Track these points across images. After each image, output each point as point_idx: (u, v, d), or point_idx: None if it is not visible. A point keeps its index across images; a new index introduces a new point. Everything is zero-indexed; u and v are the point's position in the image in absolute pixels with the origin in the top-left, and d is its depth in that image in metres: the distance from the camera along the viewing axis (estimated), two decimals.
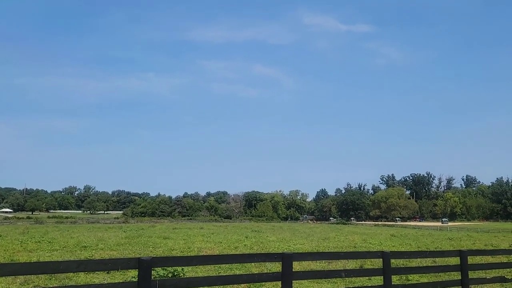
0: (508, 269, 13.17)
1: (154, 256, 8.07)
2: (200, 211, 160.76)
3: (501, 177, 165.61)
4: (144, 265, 6.36)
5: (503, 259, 17.71)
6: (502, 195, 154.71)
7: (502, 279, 10.57)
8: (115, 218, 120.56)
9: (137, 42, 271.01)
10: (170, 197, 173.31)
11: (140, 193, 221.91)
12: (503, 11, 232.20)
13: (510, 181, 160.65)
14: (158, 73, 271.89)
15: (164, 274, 10.53)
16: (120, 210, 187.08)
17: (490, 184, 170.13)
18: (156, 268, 10.40)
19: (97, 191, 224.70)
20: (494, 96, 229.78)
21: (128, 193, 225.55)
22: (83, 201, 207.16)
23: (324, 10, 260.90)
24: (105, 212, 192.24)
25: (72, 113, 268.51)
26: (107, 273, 12.89)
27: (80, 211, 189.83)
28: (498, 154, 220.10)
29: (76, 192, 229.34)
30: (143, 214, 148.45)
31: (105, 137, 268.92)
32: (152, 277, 9.61)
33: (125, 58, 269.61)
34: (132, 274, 12.51)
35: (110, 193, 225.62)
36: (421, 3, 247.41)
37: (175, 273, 10.84)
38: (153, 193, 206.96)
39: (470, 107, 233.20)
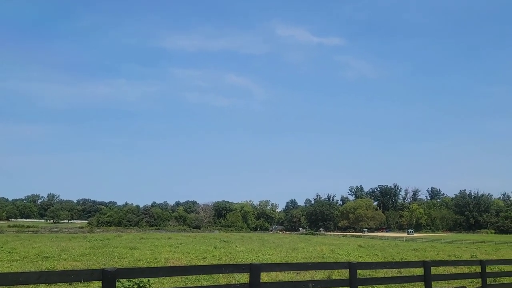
0: (469, 279, 13.55)
1: (119, 267, 7.87)
2: (169, 220, 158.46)
3: (464, 190, 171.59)
4: (108, 277, 6.22)
5: (465, 269, 18.14)
6: (465, 207, 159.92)
7: None
8: (79, 227, 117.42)
9: (108, 48, 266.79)
10: (137, 206, 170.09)
11: (106, 201, 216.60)
12: (468, 30, 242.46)
13: (472, 194, 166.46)
14: (129, 80, 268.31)
15: (130, 285, 10.31)
16: (85, 219, 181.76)
17: (454, 196, 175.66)
18: (121, 280, 10.16)
19: (61, 199, 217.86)
20: (457, 113, 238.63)
21: (94, 201, 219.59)
22: (46, 209, 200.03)
23: (297, 22, 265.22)
24: (69, 221, 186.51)
25: (36, 119, 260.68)
26: (70, 284, 12.48)
27: (43, 220, 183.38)
28: (462, 167, 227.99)
29: (39, 201, 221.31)
30: (109, 224, 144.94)
31: (72, 144, 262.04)
32: None
33: (95, 63, 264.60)
34: (95, 286, 12.15)
35: (75, 201, 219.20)
36: (391, 18, 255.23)
37: (141, 285, 10.63)
38: (120, 202, 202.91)
39: (434, 123, 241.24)
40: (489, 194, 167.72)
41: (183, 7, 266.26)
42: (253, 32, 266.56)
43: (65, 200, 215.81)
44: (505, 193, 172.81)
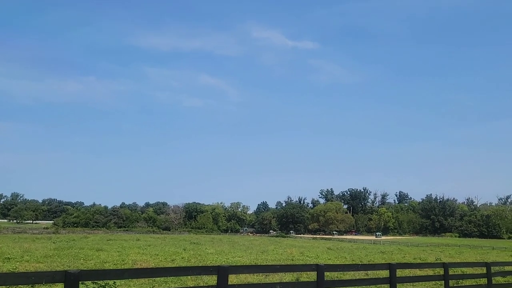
0: (433, 282, 13.92)
1: (82, 269, 7.66)
2: (138, 222, 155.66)
3: (430, 194, 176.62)
4: (71, 279, 6.08)
5: (430, 272, 18.72)
6: (431, 211, 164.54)
7: None
8: (44, 228, 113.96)
9: (79, 45, 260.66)
10: (105, 207, 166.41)
11: (73, 202, 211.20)
12: (438, 36, 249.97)
13: (438, 198, 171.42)
14: (100, 77, 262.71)
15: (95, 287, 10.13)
16: (50, 220, 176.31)
17: (421, 200, 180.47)
18: (86, 282, 9.95)
19: (25, 199, 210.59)
20: (426, 119, 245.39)
21: (60, 201, 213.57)
22: (9, 209, 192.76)
23: (272, 25, 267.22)
24: (34, 221, 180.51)
25: (1, 116, 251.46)
26: (31, 287, 12.06)
27: (5, 220, 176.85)
28: (428, 172, 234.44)
29: (2, 200, 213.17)
30: (75, 225, 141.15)
31: (38, 141, 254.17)
32: None
33: (65, 60, 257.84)
34: None
35: (40, 201, 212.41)
36: (364, 24, 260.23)
37: (106, 287, 10.43)
38: (87, 203, 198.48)
39: (405, 127, 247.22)
40: (454, 198, 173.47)
41: (157, 5, 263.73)
42: (228, 33, 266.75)
43: (29, 199, 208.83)
44: (469, 198, 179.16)
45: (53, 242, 37.93)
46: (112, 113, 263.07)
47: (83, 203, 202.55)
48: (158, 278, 13.98)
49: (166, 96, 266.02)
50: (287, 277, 15.88)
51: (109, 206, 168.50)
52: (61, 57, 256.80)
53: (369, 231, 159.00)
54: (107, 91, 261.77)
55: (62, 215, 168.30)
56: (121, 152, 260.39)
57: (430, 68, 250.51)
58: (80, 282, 10.12)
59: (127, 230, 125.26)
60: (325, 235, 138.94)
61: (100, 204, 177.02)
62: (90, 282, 9.78)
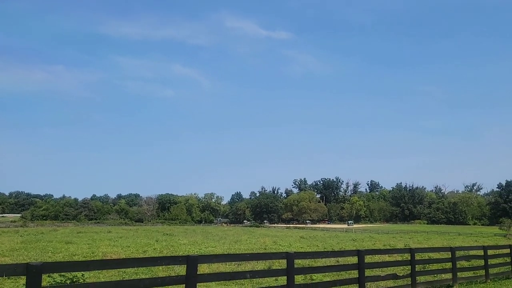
0: (401, 267, 14.27)
1: (44, 261, 7.45)
2: (109, 214, 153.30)
3: (400, 183, 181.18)
4: (33, 271, 5.92)
5: (398, 257, 19.20)
6: (401, 199, 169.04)
7: (395, 276, 11.44)
8: (11, 221, 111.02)
9: (45, 32, 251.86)
10: (76, 199, 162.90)
11: (42, 194, 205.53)
12: (411, 28, 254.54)
13: (408, 187, 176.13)
14: (68, 66, 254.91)
15: (62, 280, 9.88)
16: (18, 213, 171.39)
17: (391, 189, 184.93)
18: (53, 275, 9.70)
19: None
20: (397, 110, 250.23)
21: (28, 194, 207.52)
22: None
23: (245, 14, 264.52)
24: (0, 215, 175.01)
25: None
26: None
27: None
28: (398, 161, 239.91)
29: None
30: (44, 218, 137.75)
31: (3, 132, 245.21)
32: (48, 284, 8.98)
33: (30, 48, 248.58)
34: (24, 282, 11.48)
35: (7, 194, 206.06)
36: (338, 15, 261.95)
37: (74, 279, 10.19)
38: (57, 195, 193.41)
39: (374, 118, 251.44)
40: (423, 187, 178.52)
41: None
42: (201, 22, 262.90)
43: None
44: (437, 186, 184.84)
45: (20, 236, 36.91)
46: (81, 103, 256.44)
47: (52, 195, 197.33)
48: (129, 270, 13.81)
49: (137, 86, 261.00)
50: (260, 265, 15.99)
51: (80, 199, 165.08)
52: (26, 45, 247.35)
53: (342, 220, 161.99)
54: (75, 81, 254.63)
55: (30, 208, 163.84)
56: (92, 143, 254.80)
57: (402, 59, 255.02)
58: (47, 275, 9.93)
59: (98, 223, 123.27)
60: (299, 224, 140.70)
61: (70, 197, 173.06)
62: (57, 274, 9.56)
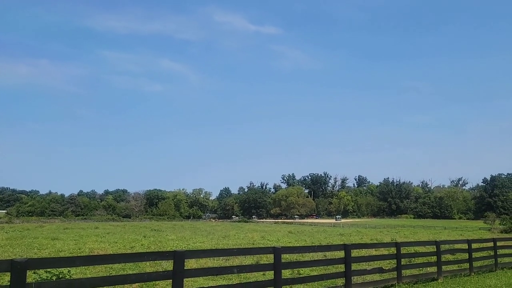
0: (387, 261, 14.45)
1: (29, 258, 7.38)
2: (97, 210, 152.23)
3: (388, 178, 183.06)
4: (17, 267, 5.89)
5: (384, 251, 19.46)
6: (388, 194, 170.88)
7: (380, 270, 11.59)
8: None
9: (29, 25, 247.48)
10: (62, 195, 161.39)
11: (27, 190, 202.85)
12: (401, 24, 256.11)
13: (395, 182, 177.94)
14: (53, 60, 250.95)
15: (48, 276, 9.81)
16: (3, 210, 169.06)
17: (378, 183, 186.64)
18: (39, 271, 9.62)
19: None
20: (385, 105, 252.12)
21: (14, 190, 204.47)
22: None
23: (234, 9, 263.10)
24: None
25: None
26: None
27: None
28: (386, 156, 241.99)
29: None
30: (30, 214, 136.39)
31: None
32: (34, 280, 8.89)
33: (14, 42, 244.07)
34: (9, 278, 11.33)
35: None
36: (327, 10, 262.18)
37: (61, 276, 10.12)
38: (43, 191, 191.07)
39: (361, 113, 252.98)
40: (409, 182, 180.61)
41: None
42: (189, 16, 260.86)
43: None
44: (424, 181, 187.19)
45: (6, 232, 36.37)
46: (67, 97, 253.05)
47: (38, 191, 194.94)
48: (116, 266, 13.72)
49: (125, 81, 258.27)
50: (248, 260, 16.02)
51: (66, 194, 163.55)
52: (9, 39, 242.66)
53: (330, 215, 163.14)
54: (61, 75, 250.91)
55: (16, 204, 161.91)
56: (78, 138, 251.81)
57: (389, 53, 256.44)
58: (32, 271, 9.83)
59: (85, 219, 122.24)
60: (287, 219, 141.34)
61: (56, 192, 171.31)
62: (43, 271, 9.49)
